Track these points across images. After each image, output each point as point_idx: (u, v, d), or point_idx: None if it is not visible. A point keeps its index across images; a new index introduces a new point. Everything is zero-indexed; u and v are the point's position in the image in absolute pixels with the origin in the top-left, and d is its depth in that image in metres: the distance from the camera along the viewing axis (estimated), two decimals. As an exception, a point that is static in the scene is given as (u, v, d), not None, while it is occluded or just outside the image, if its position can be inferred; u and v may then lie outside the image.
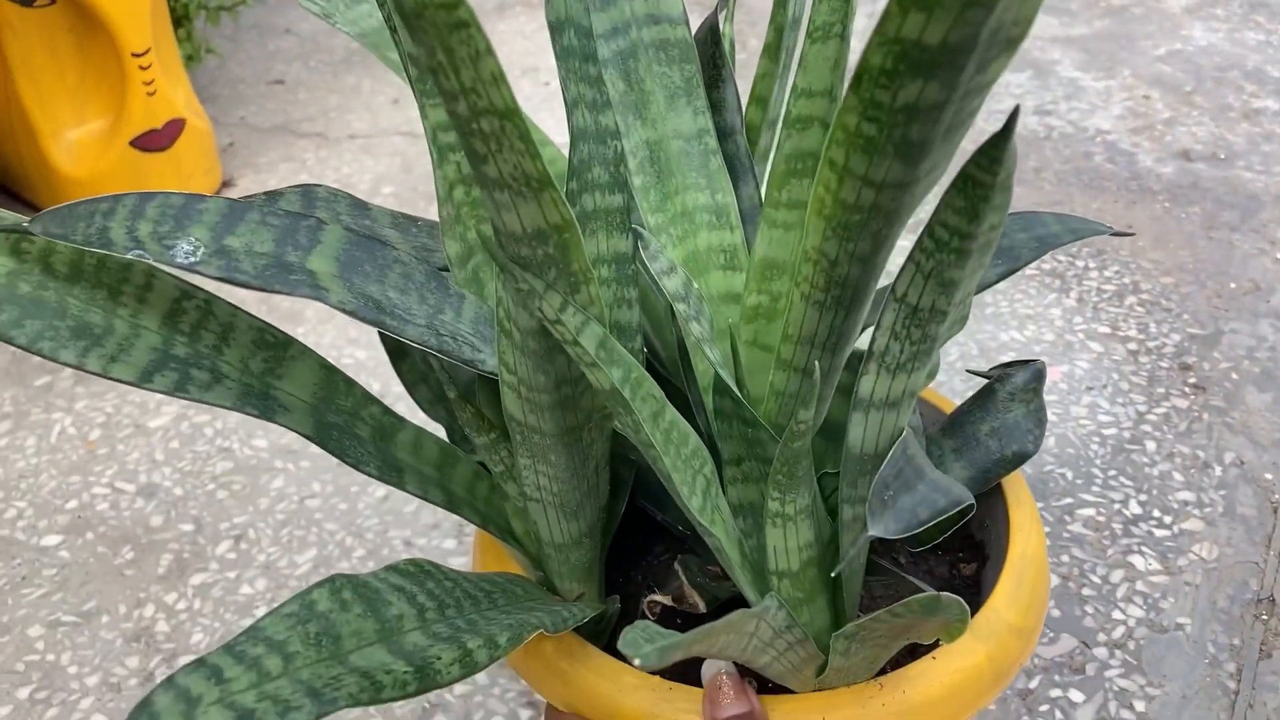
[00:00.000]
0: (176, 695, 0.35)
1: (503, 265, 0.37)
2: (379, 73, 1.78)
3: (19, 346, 0.40)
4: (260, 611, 0.87)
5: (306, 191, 0.51)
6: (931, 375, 0.43)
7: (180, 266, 0.40)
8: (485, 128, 0.32)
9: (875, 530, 0.36)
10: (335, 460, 1.00)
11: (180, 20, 1.47)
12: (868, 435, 0.42)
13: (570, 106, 0.49)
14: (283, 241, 0.43)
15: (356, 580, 0.44)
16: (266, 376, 0.46)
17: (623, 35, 0.50)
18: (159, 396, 1.10)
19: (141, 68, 1.26)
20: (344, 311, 0.42)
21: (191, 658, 0.83)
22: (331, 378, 0.49)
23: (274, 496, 0.98)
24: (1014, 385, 0.55)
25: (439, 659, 0.41)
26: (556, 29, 0.50)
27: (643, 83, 0.51)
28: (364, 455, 0.48)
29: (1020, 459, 0.53)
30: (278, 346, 0.48)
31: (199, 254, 0.40)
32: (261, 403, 0.46)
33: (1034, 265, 1.23)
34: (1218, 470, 0.96)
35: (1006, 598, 0.50)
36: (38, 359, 1.16)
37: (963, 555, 0.58)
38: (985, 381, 0.57)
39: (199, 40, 1.53)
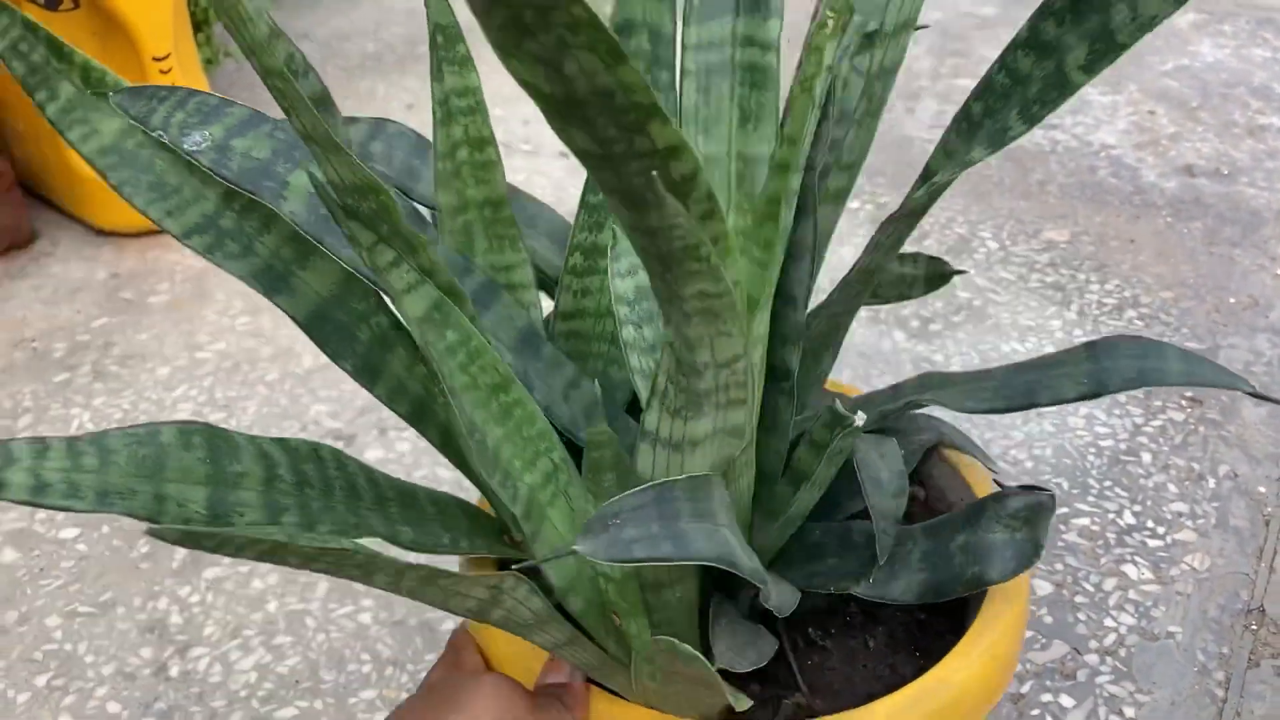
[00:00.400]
0: (2, 452, 0.41)
1: (330, 209, 0.40)
2: (394, 79, 1.80)
3: (110, 185, 0.48)
4: (272, 606, 0.89)
5: (378, 123, 0.57)
6: (734, 438, 0.43)
7: (185, 153, 0.46)
8: (277, 85, 0.36)
9: (579, 547, 0.35)
10: (346, 459, 1.03)
11: (200, 25, 1.49)
12: (656, 468, 0.43)
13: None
14: (279, 154, 0.47)
15: (215, 430, 0.47)
16: (292, 264, 0.50)
17: (715, 50, 0.51)
18: (175, 393, 1.12)
19: (161, 71, 1.28)
20: (292, 222, 0.47)
21: (204, 649, 0.86)
22: (351, 282, 0.52)
23: (286, 494, 1.00)
24: (1004, 508, 0.51)
25: (242, 515, 0.45)
26: (624, 30, 0.51)
27: (721, 100, 0.51)
28: (346, 351, 0.51)
29: (976, 583, 0.50)
30: (309, 244, 0.51)
31: (203, 146, 0.46)
32: (273, 281, 0.50)
33: (1036, 278, 1.25)
34: (1211, 482, 0.98)
35: (889, 710, 0.48)
36: (58, 354, 1.19)
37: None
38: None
39: (218, 45, 1.56)
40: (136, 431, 0.44)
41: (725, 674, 0.48)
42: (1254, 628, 0.85)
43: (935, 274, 0.62)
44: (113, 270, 1.33)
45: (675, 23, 0.52)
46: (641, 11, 0.51)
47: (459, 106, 0.48)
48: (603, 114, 0.28)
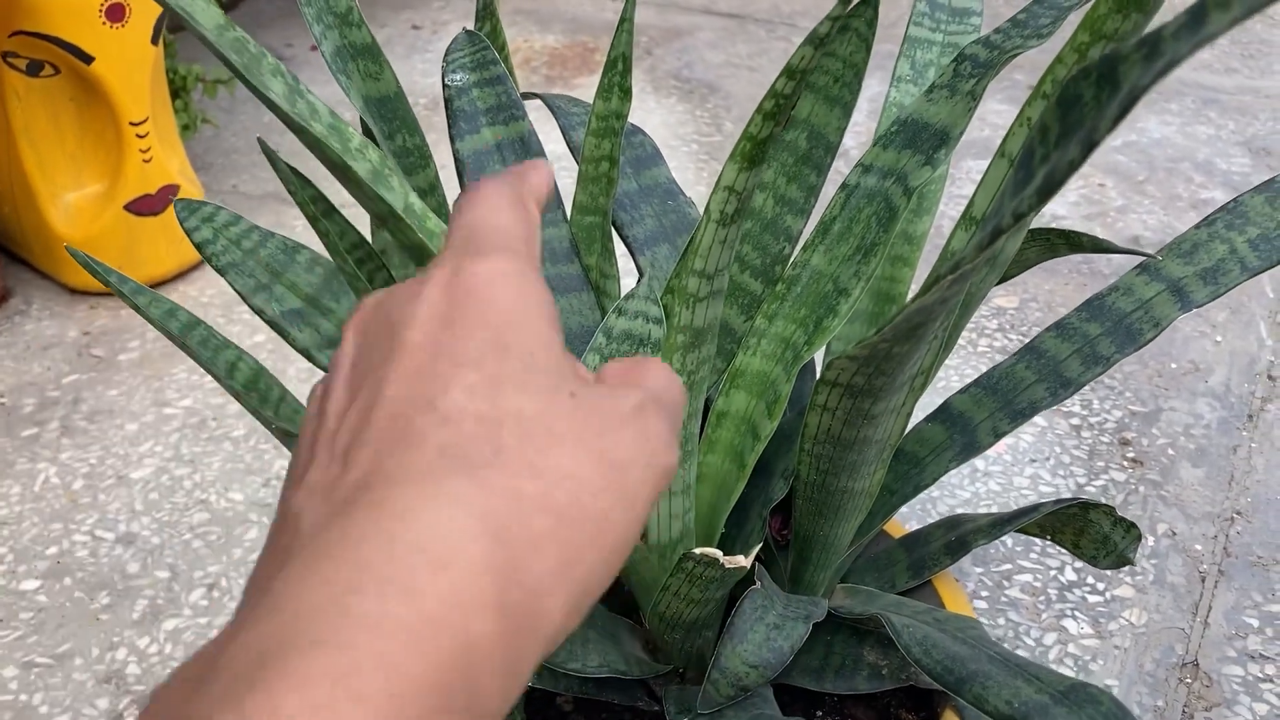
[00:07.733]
0: (198, 209, 0.59)
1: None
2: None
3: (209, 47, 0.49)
4: (229, 657, 0.90)
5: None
6: None
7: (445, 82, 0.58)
8: None
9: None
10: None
11: (178, 91, 1.53)
12: None
13: (732, 184, 0.45)
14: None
15: (339, 274, 0.59)
16: None
17: (876, 176, 0.53)
18: (142, 449, 1.14)
19: (139, 135, 1.32)
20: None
21: (160, 699, 0.87)
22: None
23: (248, 547, 1.02)
24: None
25: (301, 332, 0.58)
26: (789, 124, 0.52)
27: (855, 223, 0.53)
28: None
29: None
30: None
31: (464, 82, 0.58)
32: None
33: (985, 342, 1.29)
34: (1150, 540, 1.01)
35: None
36: (27, 410, 1.20)
37: None
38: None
39: (195, 111, 1.60)
40: (288, 243, 0.59)
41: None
42: (1188, 681, 0.88)
43: (1124, 557, 0.62)
44: (84, 328, 1.35)
45: (842, 134, 0.54)
46: (809, 110, 0.53)
47: (613, 127, 0.55)
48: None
